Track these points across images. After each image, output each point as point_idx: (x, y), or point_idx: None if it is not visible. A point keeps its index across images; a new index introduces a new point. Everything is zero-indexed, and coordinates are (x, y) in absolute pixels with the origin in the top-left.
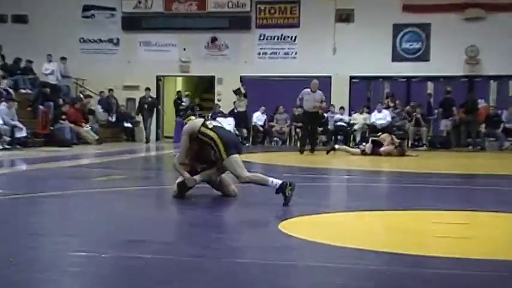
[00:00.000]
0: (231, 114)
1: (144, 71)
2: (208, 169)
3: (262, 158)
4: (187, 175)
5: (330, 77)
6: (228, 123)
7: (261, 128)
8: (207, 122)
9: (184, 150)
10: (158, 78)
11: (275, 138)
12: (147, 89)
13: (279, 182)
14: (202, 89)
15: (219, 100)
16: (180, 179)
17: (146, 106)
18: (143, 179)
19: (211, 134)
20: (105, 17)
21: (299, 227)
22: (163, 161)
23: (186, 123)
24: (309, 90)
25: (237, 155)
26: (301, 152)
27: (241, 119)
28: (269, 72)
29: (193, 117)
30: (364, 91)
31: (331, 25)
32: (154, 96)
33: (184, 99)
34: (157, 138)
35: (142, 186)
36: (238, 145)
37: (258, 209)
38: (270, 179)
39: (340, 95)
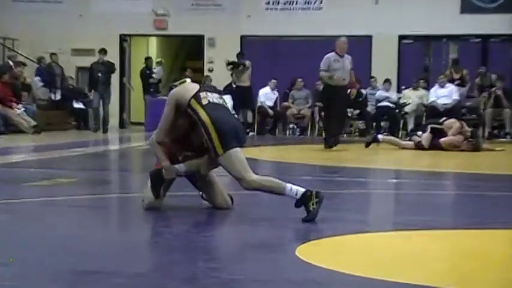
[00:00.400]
0: (228, 90)
1: (102, 29)
2: (196, 158)
3: (272, 154)
4: (166, 162)
5: (369, 37)
6: None
7: (271, 111)
8: (201, 94)
9: (166, 124)
10: (123, 39)
11: (291, 125)
12: (102, 50)
13: (301, 190)
14: (185, 55)
15: (210, 70)
16: (153, 169)
17: (100, 76)
18: (101, 184)
19: (202, 115)
20: None
21: (323, 252)
22: (128, 159)
23: (174, 87)
24: (334, 54)
25: (238, 149)
26: (330, 145)
27: (244, 97)
28: (282, 31)
29: (188, 80)
30: (421, 57)
31: None
32: (114, 62)
33: (155, 69)
34: (121, 125)
35: (100, 193)
36: (239, 134)
37: (266, 226)
38: (288, 185)
39: (384, 63)
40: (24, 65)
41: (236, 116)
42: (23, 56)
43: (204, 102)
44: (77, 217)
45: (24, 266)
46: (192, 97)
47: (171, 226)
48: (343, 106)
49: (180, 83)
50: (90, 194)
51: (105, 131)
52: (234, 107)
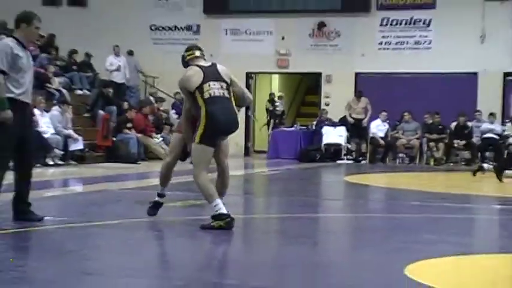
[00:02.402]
0: (343, 122)
1: (231, 67)
2: None
3: (383, 181)
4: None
5: (475, 74)
6: (339, 135)
7: (382, 141)
8: (205, 87)
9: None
10: (249, 76)
11: (401, 154)
12: None
13: (222, 210)
14: (304, 90)
15: (326, 104)
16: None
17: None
18: (233, 206)
19: (202, 106)
20: None
21: (431, 272)
22: (252, 184)
23: (186, 62)
24: None
25: (208, 148)
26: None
27: (358, 128)
28: (393, 67)
29: (197, 53)
30: None
31: (479, 4)
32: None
33: (277, 103)
34: (245, 153)
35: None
36: (225, 131)
37: (374, 247)
38: (218, 200)
39: (489, 98)
40: (163, 100)
41: (349, 146)
42: (162, 91)
43: (206, 96)
44: (205, 235)
45: (158, 277)
46: (196, 88)
47: (292, 244)
48: None
49: (188, 55)
50: None
51: None
52: (350, 136)
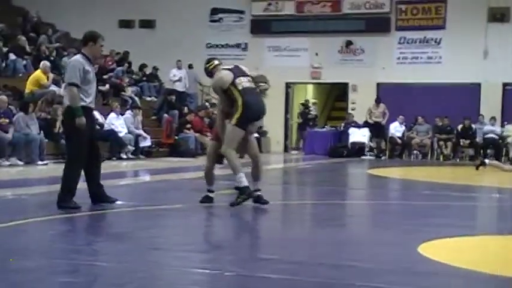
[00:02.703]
0: (366, 124)
1: (273, 78)
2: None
3: (400, 173)
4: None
5: (478, 85)
6: (363, 135)
7: (399, 140)
8: (237, 81)
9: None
10: (287, 86)
11: (415, 152)
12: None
13: (244, 183)
14: (334, 97)
15: (352, 109)
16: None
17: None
18: (273, 193)
19: (238, 97)
20: (233, 20)
21: (442, 250)
22: (290, 175)
23: (210, 71)
24: None
25: (242, 131)
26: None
27: (378, 129)
28: (409, 79)
29: (216, 62)
30: None
31: (483, 25)
32: (285, 104)
33: (311, 108)
34: (285, 150)
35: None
36: (257, 117)
37: (392, 228)
38: (241, 174)
39: (490, 104)
40: (216, 105)
41: (371, 144)
42: (215, 99)
43: (240, 88)
44: (251, 217)
45: (213, 252)
46: (230, 84)
47: (326, 227)
48: None
49: (210, 66)
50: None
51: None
52: (372, 136)
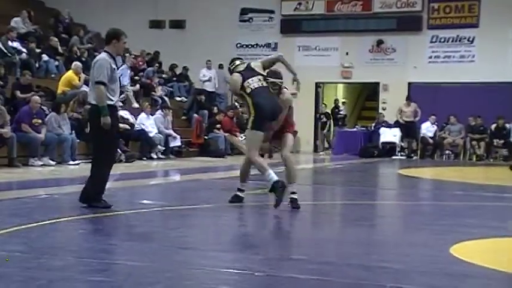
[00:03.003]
0: (397, 124)
1: (302, 78)
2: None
3: (432, 173)
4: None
5: None
6: (394, 134)
7: (431, 140)
8: (245, 84)
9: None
10: (317, 85)
11: (447, 152)
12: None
13: (274, 178)
14: (364, 97)
15: (383, 109)
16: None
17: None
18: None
19: (248, 100)
20: (262, 20)
21: (475, 251)
22: (320, 174)
23: (232, 72)
24: None
25: (258, 133)
26: None
27: (409, 129)
28: (441, 78)
29: (237, 62)
30: None
31: None
32: (315, 104)
33: (341, 108)
34: (315, 150)
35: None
36: (270, 116)
37: (423, 229)
38: (269, 171)
39: None
40: None
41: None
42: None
43: (248, 90)
44: (282, 217)
45: (242, 251)
46: (240, 88)
47: (355, 226)
48: None
49: (232, 66)
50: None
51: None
52: (403, 136)
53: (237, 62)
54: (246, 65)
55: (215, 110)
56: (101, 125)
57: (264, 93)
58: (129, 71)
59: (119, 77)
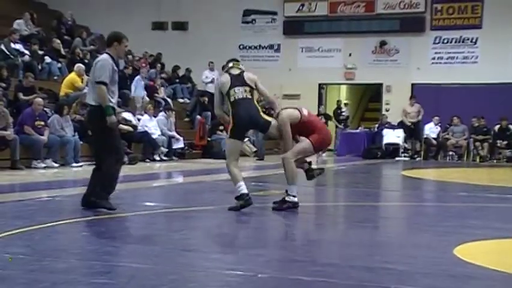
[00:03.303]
0: (401, 125)
1: (305, 79)
2: None
3: (435, 174)
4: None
5: None
6: (397, 136)
7: (434, 141)
8: (231, 92)
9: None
10: (320, 87)
11: (450, 153)
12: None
13: (244, 191)
14: (367, 98)
15: (386, 110)
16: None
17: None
18: (307, 195)
19: (230, 108)
20: (265, 22)
21: (478, 253)
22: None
23: (225, 69)
24: None
25: (236, 141)
26: None
27: (413, 130)
28: (445, 79)
29: (230, 64)
30: None
31: None
32: (318, 105)
33: (344, 109)
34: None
35: (303, 202)
36: (248, 127)
37: (427, 231)
38: (241, 183)
39: None
40: None
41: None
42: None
43: (231, 99)
44: (284, 219)
45: (245, 253)
46: (226, 93)
47: (359, 228)
48: None
49: (226, 66)
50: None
51: None
52: (406, 137)
53: (230, 64)
54: (240, 71)
55: None
56: (102, 126)
57: (246, 104)
58: (142, 83)
59: (134, 89)
